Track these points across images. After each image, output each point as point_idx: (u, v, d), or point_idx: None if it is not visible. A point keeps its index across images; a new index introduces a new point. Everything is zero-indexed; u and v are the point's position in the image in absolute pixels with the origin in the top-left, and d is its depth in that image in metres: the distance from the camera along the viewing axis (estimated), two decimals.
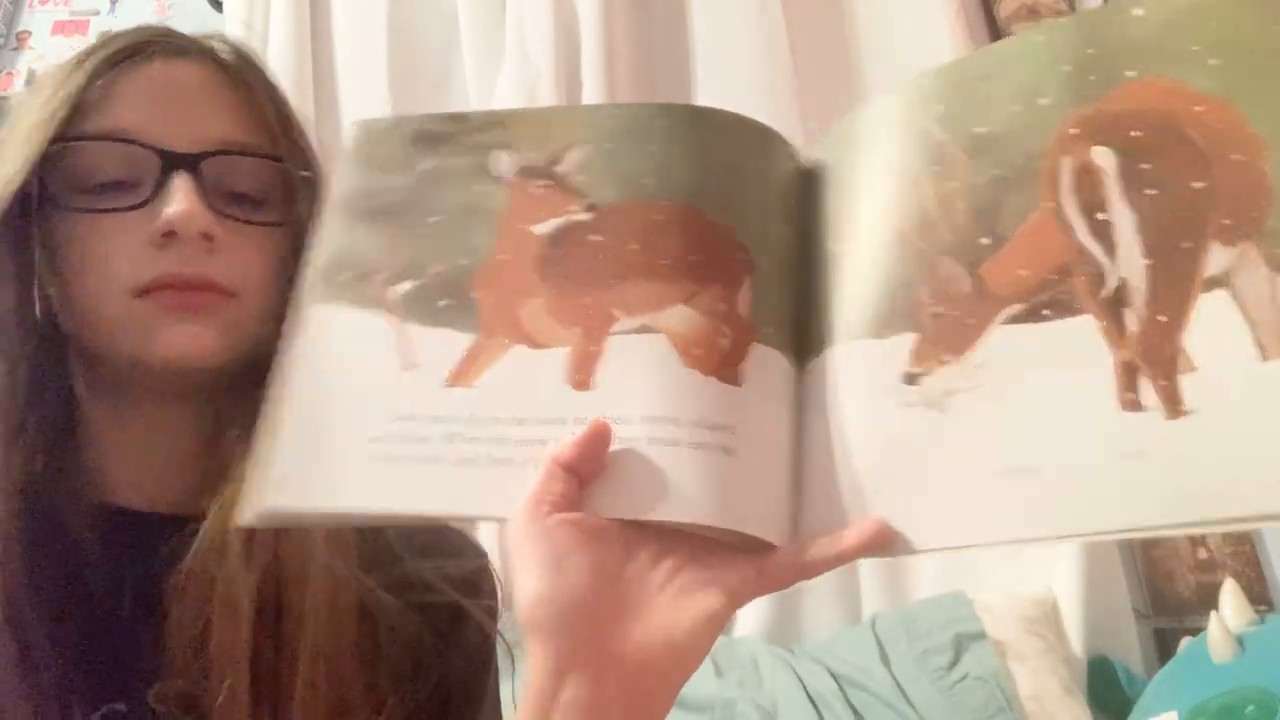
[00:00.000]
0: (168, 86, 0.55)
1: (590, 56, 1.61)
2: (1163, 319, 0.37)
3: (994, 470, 0.39)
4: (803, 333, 0.46)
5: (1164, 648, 1.28)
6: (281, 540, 0.52)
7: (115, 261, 0.51)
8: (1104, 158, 0.40)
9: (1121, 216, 0.39)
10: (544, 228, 0.47)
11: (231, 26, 1.78)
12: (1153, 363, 0.37)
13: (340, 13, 1.80)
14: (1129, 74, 0.41)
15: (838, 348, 0.44)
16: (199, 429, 0.56)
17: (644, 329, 0.45)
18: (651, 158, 0.48)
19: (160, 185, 0.51)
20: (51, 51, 2.02)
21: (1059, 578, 1.28)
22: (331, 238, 0.49)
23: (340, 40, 1.79)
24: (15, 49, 2.05)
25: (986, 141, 0.43)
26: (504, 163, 0.49)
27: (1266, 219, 0.36)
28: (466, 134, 0.50)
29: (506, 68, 1.65)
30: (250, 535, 0.51)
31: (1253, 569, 1.31)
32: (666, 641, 0.39)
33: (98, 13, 2.06)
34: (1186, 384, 0.36)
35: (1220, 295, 0.37)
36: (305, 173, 0.57)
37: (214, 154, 0.53)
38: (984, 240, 0.42)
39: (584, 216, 0.47)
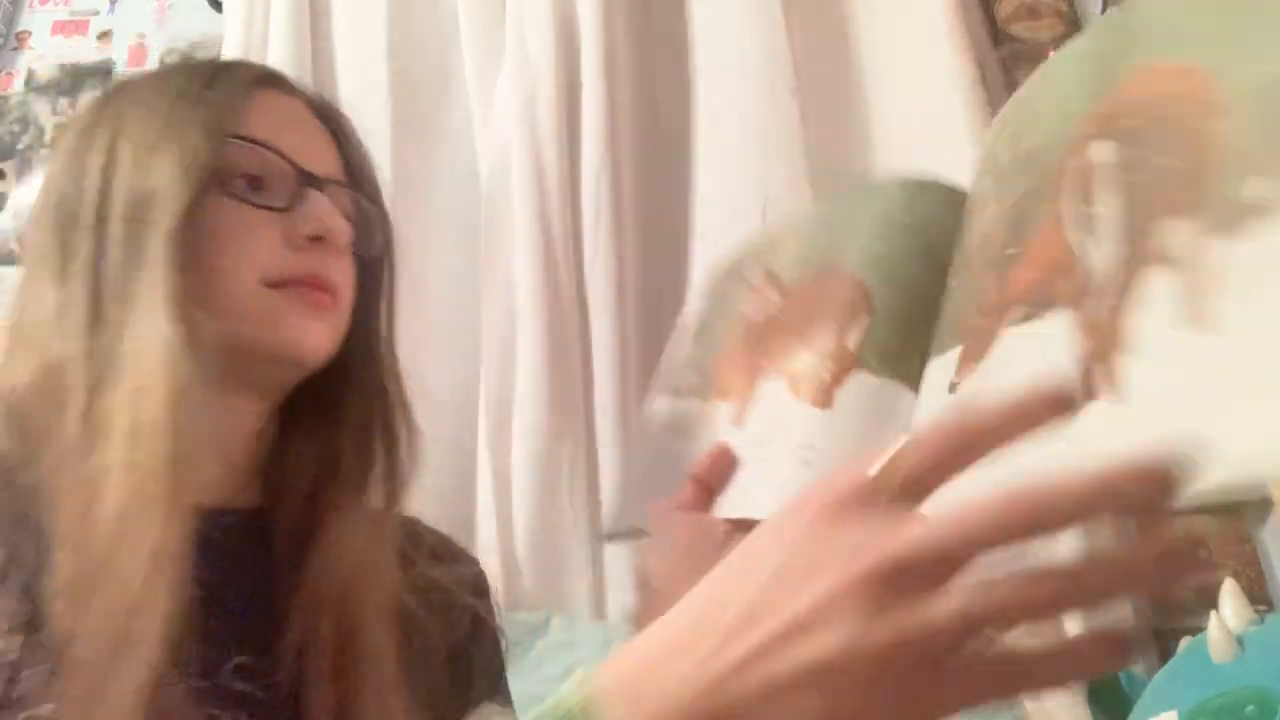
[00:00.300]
0: (291, 115, 0.62)
1: (590, 57, 1.61)
2: (1113, 303, 0.37)
3: (995, 480, 0.38)
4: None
5: (1163, 647, 1.27)
6: (357, 542, 0.58)
7: (255, 251, 0.56)
8: (1102, 151, 0.40)
9: (1107, 206, 0.39)
10: (755, 314, 0.61)
11: (231, 26, 1.78)
12: (1100, 347, 0.37)
13: (340, 12, 1.80)
14: (1132, 63, 0.41)
15: (930, 364, 0.50)
16: (257, 424, 0.61)
17: (778, 374, 0.57)
18: (831, 232, 0.59)
19: (296, 196, 0.58)
20: (51, 51, 2.02)
21: None
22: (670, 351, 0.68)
23: (340, 40, 1.79)
24: (15, 49, 2.05)
25: (1030, 155, 0.45)
26: (751, 269, 0.63)
27: (1215, 184, 0.35)
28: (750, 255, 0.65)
29: (506, 68, 1.65)
30: (335, 537, 0.57)
31: (1252, 569, 1.31)
32: None
33: (97, 12, 2.06)
34: (1128, 365, 0.36)
35: (1163, 272, 0.35)
36: (379, 209, 0.66)
37: (334, 182, 0.61)
38: (1010, 251, 0.44)
39: (776, 298, 0.60)
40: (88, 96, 1.96)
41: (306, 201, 0.58)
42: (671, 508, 0.56)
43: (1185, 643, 1.03)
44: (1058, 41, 1.74)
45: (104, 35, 2.03)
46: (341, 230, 0.60)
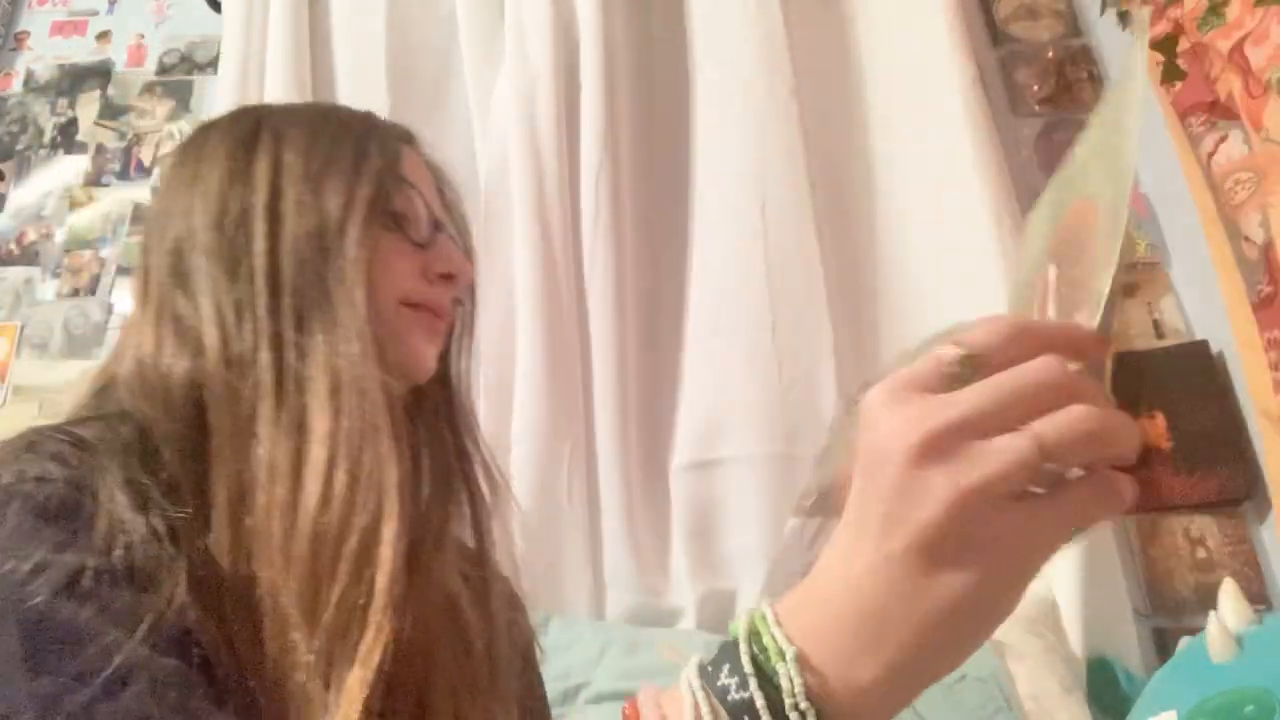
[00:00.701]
0: (424, 171, 0.69)
1: (589, 57, 1.61)
2: None
3: None
4: None
5: (1163, 647, 1.28)
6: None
7: (399, 275, 0.63)
8: (1049, 273, 0.50)
9: (1050, 316, 0.47)
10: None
11: (230, 27, 1.78)
12: None
13: (339, 13, 1.80)
14: (1069, 202, 0.53)
15: None
16: None
17: None
18: None
19: (431, 237, 0.66)
20: (50, 51, 2.02)
21: (1058, 578, 1.29)
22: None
23: (339, 41, 1.79)
24: (14, 49, 2.05)
25: (1024, 281, 0.54)
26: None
27: (1089, 284, 0.42)
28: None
29: (505, 68, 1.65)
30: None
31: (1252, 568, 1.31)
32: None
33: (96, 13, 2.06)
34: None
35: None
36: (473, 260, 0.72)
37: (449, 233, 0.69)
38: None
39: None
40: (87, 96, 1.97)
41: (439, 243, 0.66)
42: None
43: (1185, 643, 1.03)
44: (1056, 41, 1.74)
45: (103, 35, 2.03)
46: (468, 272, 0.68)
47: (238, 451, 0.54)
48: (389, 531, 0.53)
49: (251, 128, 0.64)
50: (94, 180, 1.89)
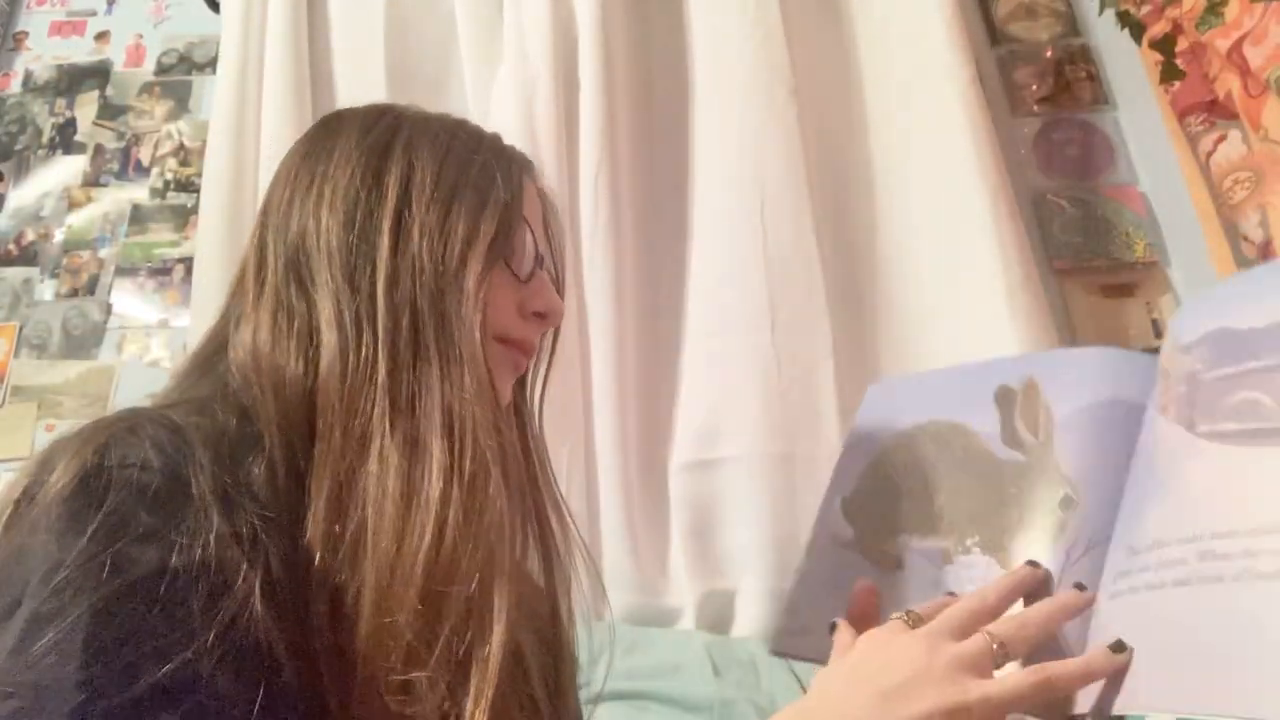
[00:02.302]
0: (536, 200, 0.70)
1: (588, 58, 1.60)
2: None
3: None
4: None
5: None
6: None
7: (500, 309, 0.64)
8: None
9: None
10: None
11: (228, 27, 1.78)
12: None
13: (337, 13, 1.80)
14: None
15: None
16: None
17: None
18: None
19: (533, 273, 0.67)
20: (48, 52, 2.02)
21: None
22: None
23: (337, 41, 1.79)
24: (13, 49, 2.04)
25: None
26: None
27: None
28: None
29: (504, 69, 1.65)
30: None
31: None
32: None
33: (94, 13, 2.06)
34: None
35: None
36: (563, 293, 0.73)
37: (548, 269, 0.70)
38: None
39: None
40: (85, 96, 1.97)
41: (538, 279, 0.67)
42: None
43: None
44: (1055, 41, 1.74)
45: (101, 36, 2.03)
46: (560, 312, 0.69)
47: (345, 463, 0.54)
48: (504, 577, 0.54)
49: (386, 133, 0.64)
50: (92, 180, 1.89)
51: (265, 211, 0.64)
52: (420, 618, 0.51)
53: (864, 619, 0.59)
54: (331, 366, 0.56)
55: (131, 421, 0.51)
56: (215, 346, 0.62)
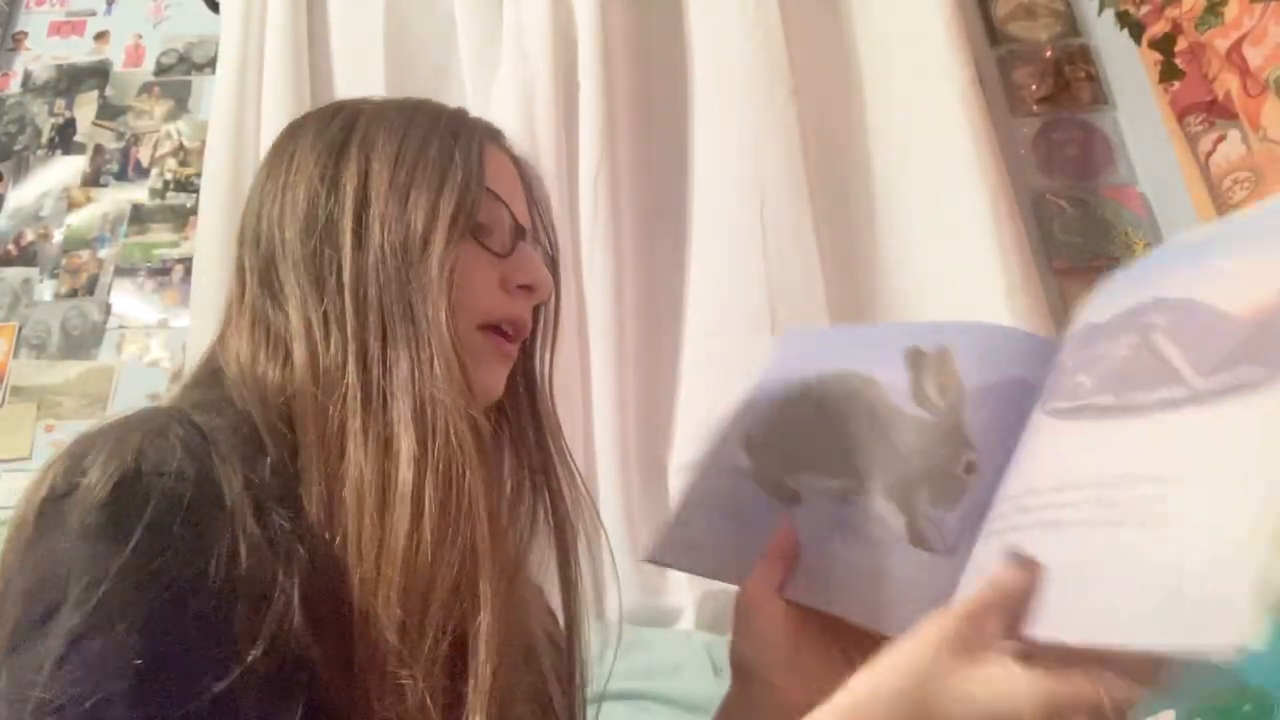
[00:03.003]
0: (509, 171, 0.68)
1: (587, 57, 1.61)
2: None
3: None
4: None
5: None
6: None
7: (479, 290, 0.62)
8: None
9: None
10: None
11: (228, 28, 1.78)
12: None
13: (336, 13, 1.80)
14: None
15: None
16: None
17: None
18: None
19: (514, 246, 0.65)
20: (48, 52, 2.02)
21: None
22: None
23: (336, 41, 1.79)
24: (12, 49, 2.04)
25: None
26: None
27: None
28: None
29: (503, 69, 1.65)
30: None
31: None
32: None
33: (94, 13, 2.05)
34: None
35: None
36: (556, 262, 0.72)
37: (534, 237, 0.68)
38: None
39: None
40: (85, 97, 1.97)
41: (520, 252, 0.65)
42: (765, 593, 0.61)
43: None
44: (1055, 41, 1.75)
45: (101, 36, 2.03)
46: (548, 283, 0.67)
47: (325, 467, 0.54)
48: (488, 565, 0.54)
49: (341, 132, 0.64)
50: (92, 180, 1.89)
51: (242, 225, 0.65)
52: (407, 614, 0.51)
53: (784, 556, 0.62)
54: (304, 376, 0.56)
55: (161, 424, 0.51)
56: (220, 355, 0.62)
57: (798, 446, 0.68)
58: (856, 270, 1.56)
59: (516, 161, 0.70)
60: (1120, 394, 0.50)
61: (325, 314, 0.58)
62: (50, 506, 0.48)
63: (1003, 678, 0.44)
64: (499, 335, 0.64)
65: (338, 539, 0.52)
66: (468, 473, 0.55)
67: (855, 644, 0.59)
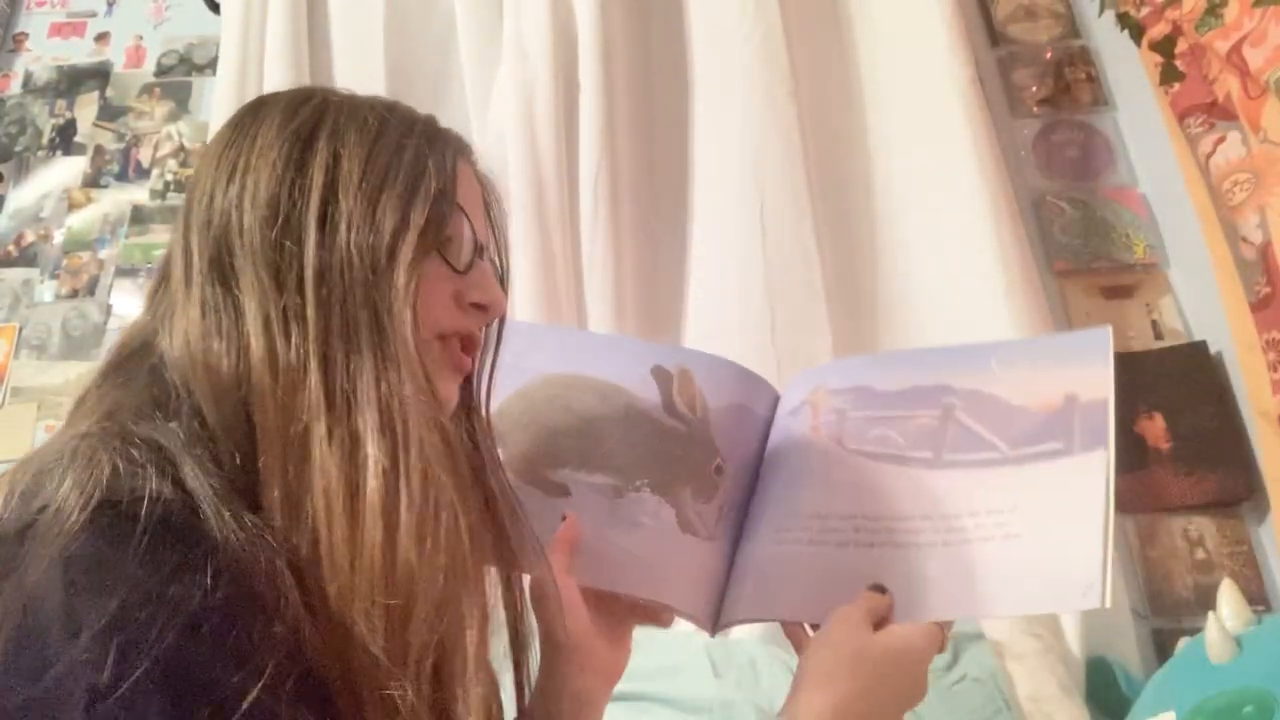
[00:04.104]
0: (474, 188, 0.67)
1: (588, 57, 1.61)
2: None
3: None
4: None
5: (1162, 648, 1.28)
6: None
7: (436, 303, 0.61)
8: None
9: None
10: None
11: (228, 28, 1.78)
12: None
13: (337, 13, 1.80)
14: None
15: None
16: None
17: None
18: None
19: (472, 263, 0.63)
20: (48, 53, 2.02)
21: None
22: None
23: (337, 41, 1.79)
24: (12, 50, 2.05)
25: None
26: None
27: None
28: None
29: (504, 69, 1.65)
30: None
31: (1250, 569, 1.31)
32: None
33: (94, 14, 2.06)
34: None
35: None
36: (507, 281, 0.72)
37: (489, 255, 0.68)
38: None
39: None
40: (85, 98, 1.97)
41: (478, 269, 0.64)
42: (562, 576, 0.68)
43: (1184, 643, 1.03)
44: (1055, 42, 1.75)
45: (101, 37, 2.03)
46: (502, 303, 0.66)
47: (290, 473, 0.52)
48: (469, 581, 0.54)
49: (310, 119, 0.61)
50: (92, 181, 1.89)
51: (188, 202, 0.60)
52: (390, 629, 0.50)
53: (571, 543, 0.70)
54: (261, 370, 0.53)
55: (118, 443, 0.49)
56: (141, 342, 0.59)
57: (553, 443, 0.76)
58: (856, 270, 1.56)
59: (481, 179, 0.69)
60: (937, 452, 0.69)
61: (285, 309, 0.55)
62: (4, 546, 0.45)
63: (905, 631, 0.63)
64: (453, 344, 0.63)
65: (304, 545, 0.50)
66: (441, 486, 0.53)
67: (627, 610, 0.73)
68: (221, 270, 0.57)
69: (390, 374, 0.55)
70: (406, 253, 0.57)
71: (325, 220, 0.57)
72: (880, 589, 0.65)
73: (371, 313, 0.56)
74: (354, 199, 0.57)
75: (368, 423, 0.53)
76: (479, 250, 0.65)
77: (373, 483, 0.51)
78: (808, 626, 0.68)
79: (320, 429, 0.52)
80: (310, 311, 0.55)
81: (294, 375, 0.53)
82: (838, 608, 0.63)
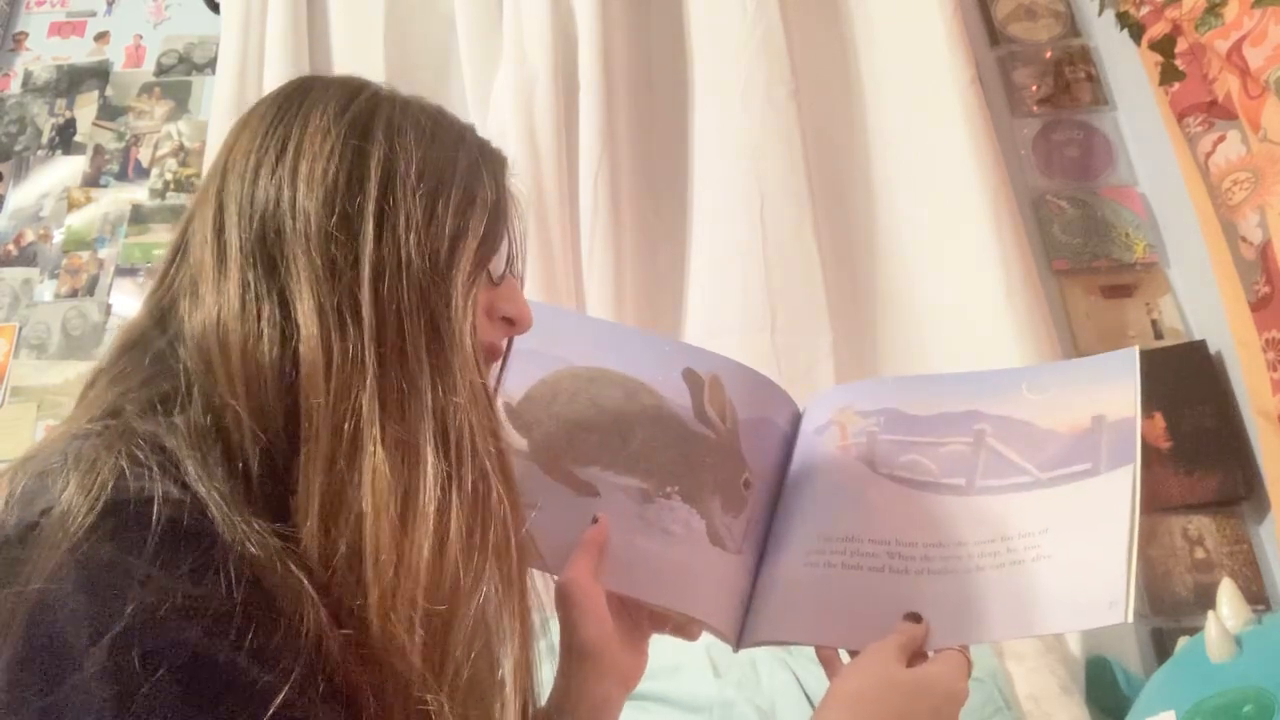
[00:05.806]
0: (512, 200, 0.65)
1: (588, 58, 1.61)
2: None
3: None
4: None
5: (1161, 647, 1.28)
6: None
7: (478, 314, 0.59)
8: None
9: None
10: None
11: (228, 28, 1.78)
12: None
13: (337, 14, 1.80)
14: None
15: None
16: None
17: None
18: None
19: (503, 276, 0.63)
20: (48, 52, 2.02)
21: None
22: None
23: (337, 42, 1.79)
24: (12, 50, 2.04)
25: None
26: None
27: None
28: None
29: (504, 69, 1.65)
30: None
31: (1250, 568, 1.31)
32: None
33: (94, 14, 2.06)
34: None
35: None
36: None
37: (515, 271, 0.66)
38: None
39: None
40: (85, 97, 1.97)
41: (508, 283, 0.63)
42: (589, 579, 0.65)
43: (1184, 643, 1.03)
44: (1055, 42, 1.74)
45: (101, 36, 2.03)
46: (529, 318, 0.64)
47: (336, 468, 0.50)
48: (514, 594, 0.53)
49: (365, 110, 0.58)
50: (92, 181, 1.89)
51: (223, 174, 0.57)
52: (427, 640, 0.48)
53: (599, 545, 0.67)
54: (315, 360, 0.51)
55: (122, 443, 0.47)
56: (153, 321, 0.56)
57: (582, 439, 0.73)
58: (856, 270, 1.56)
59: (514, 193, 0.68)
60: (970, 479, 0.70)
61: (339, 302, 0.52)
62: (5, 549, 0.43)
63: (936, 669, 0.62)
64: (482, 358, 0.61)
65: (343, 544, 0.48)
66: (494, 496, 0.53)
67: (649, 618, 0.70)
68: (268, 252, 0.54)
69: (447, 381, 0.53)
70: (466, 262, 0.56)
71: (383, 217, 0.55)
72: (916, 617, 0.65)
73: (430, 318, 0.54)
74: (413, 199, 0.55)
75: (425, 429, 0.52)
76: (509, 263, 0.64)
77: (428, 490, 0.50)
78: (844, 652, 0.67)
79: (375, 430, 0.50)
80: (366, 308, 0.53)
81: (350, 369, 0.51)
82: (873, 643, 0.63)
